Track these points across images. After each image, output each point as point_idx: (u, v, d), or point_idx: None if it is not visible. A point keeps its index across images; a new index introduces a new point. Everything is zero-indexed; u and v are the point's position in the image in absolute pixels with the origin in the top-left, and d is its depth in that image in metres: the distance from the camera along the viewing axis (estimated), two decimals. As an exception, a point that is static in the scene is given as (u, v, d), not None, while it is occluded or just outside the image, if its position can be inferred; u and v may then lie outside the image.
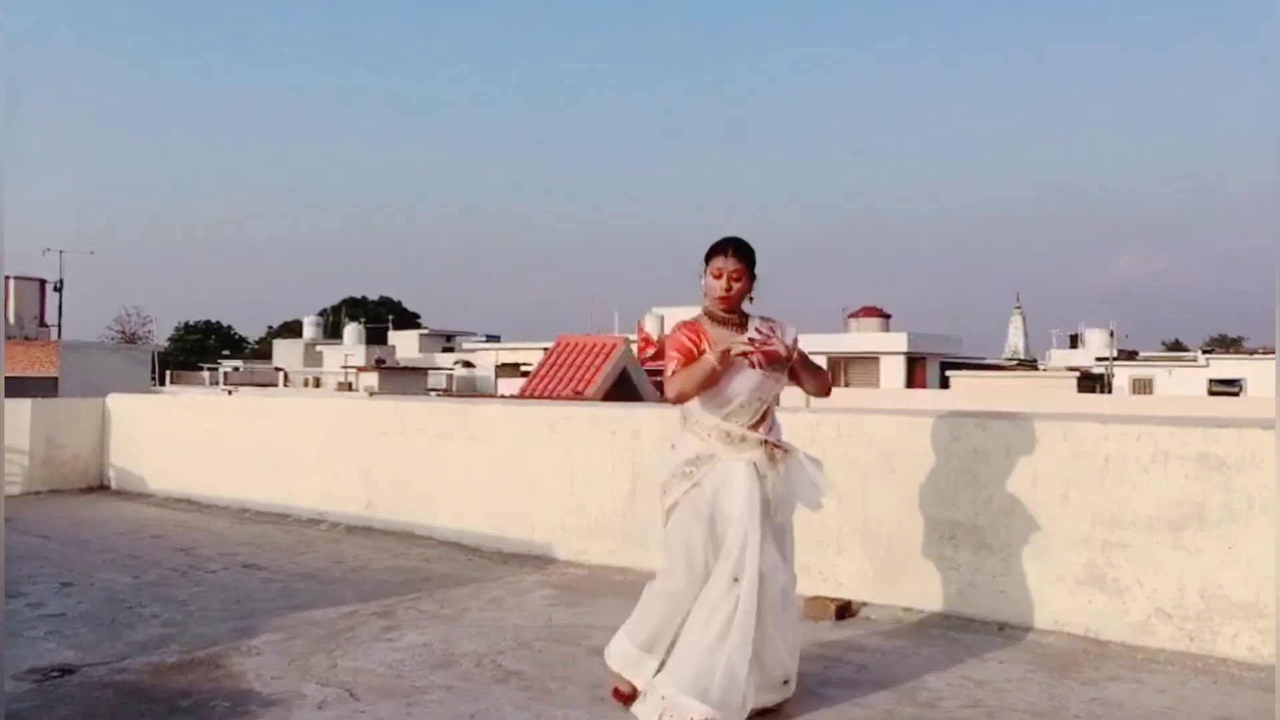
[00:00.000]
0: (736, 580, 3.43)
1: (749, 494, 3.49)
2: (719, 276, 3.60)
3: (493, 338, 63.82)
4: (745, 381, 3.55)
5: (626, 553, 5.99)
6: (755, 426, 3.58)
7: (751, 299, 3.68)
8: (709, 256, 3.65)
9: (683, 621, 3.50)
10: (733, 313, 3.66)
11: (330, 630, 4.65)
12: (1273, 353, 39.63)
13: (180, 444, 9.29)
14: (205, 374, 54.29)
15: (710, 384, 3.50)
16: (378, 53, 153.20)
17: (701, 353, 3.54)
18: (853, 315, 47.30)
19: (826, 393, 3.87)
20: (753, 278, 3.65)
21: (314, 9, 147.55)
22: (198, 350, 76.07)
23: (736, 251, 3.61)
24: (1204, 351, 47.70)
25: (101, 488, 9.88)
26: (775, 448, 3.57)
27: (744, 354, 3.49)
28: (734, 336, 3.57)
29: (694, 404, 3.59)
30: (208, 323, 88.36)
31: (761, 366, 3.52)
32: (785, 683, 3.59)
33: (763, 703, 3.51)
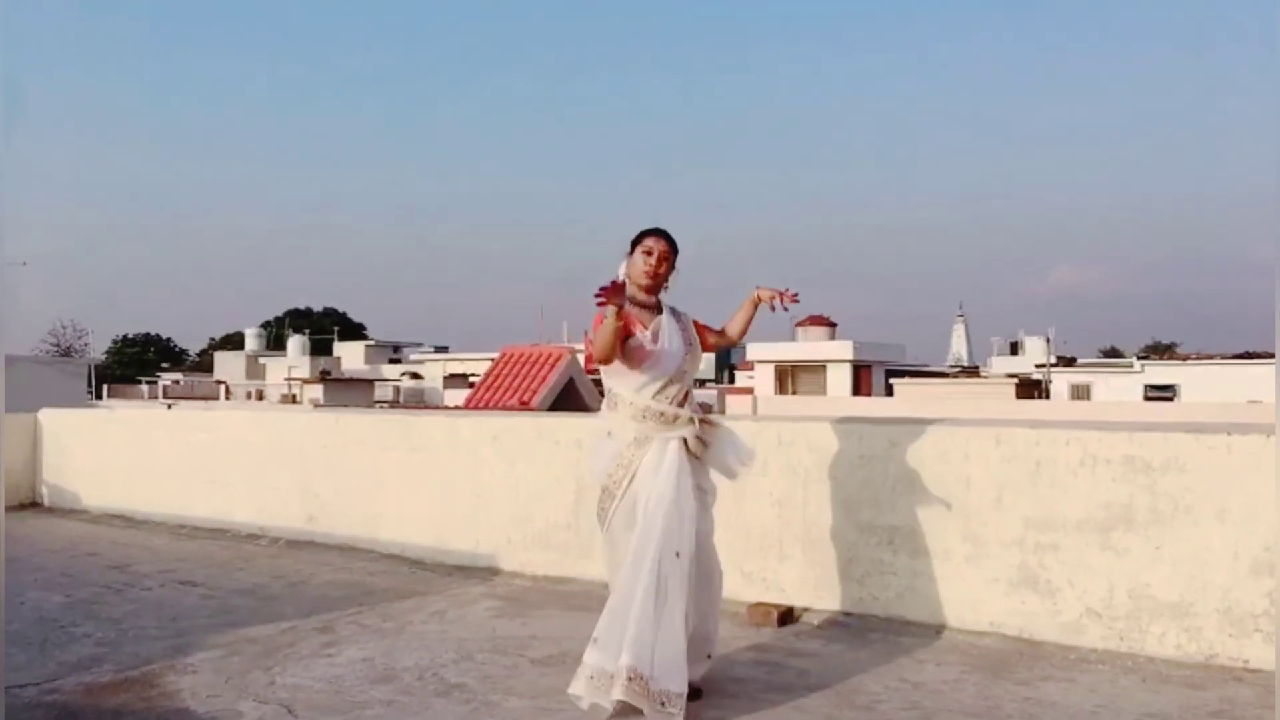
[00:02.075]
0: (679, 555, 3.56)
1: (680, 469, 3.65)
2: (649, 254, 3.80)
3: (441, 349, 63.38)
4: (671, 360, 3.76)
5: (571, 563, 5.98)
6: (681, 404, 3.77)
7: (667, 288, 3.91)
8: (639, 238, 3.86)
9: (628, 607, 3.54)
10: (652, 295, 3.87)
11: (269, 647, 4.58)
12: (1205, 359, 40.82)
13: (115, 459, 9.09)
14: (144, 387, 53.16)
15: (618, 339, 3.61)
16: (323, 61, 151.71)
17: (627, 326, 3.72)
18: (800, 324, 47.70)
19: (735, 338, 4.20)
20: (673, 267, 3.89)
21: (256, 17, 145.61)
22: (136, 363, 74.46)
23: (666, 236, 3.86)
24: (1139, 358, 48.80)
25: (33, 505, 9.63)
26: (705, 422, 3.82)
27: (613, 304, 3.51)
28: (651, 320, 3.80)
29: (626, 388, 3.75)
30: (146, 335, 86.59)
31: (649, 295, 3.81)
32: (709, 656, 3.83)
33: (692, 676, 3.59)
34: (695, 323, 4.00)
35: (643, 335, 3.74)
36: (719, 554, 3.92)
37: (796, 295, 3.95)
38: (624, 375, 3.74)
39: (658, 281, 3.84)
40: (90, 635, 4.83)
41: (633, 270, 3.84)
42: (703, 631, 3.74)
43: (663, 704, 3.37)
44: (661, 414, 3.71)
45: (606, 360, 3.67)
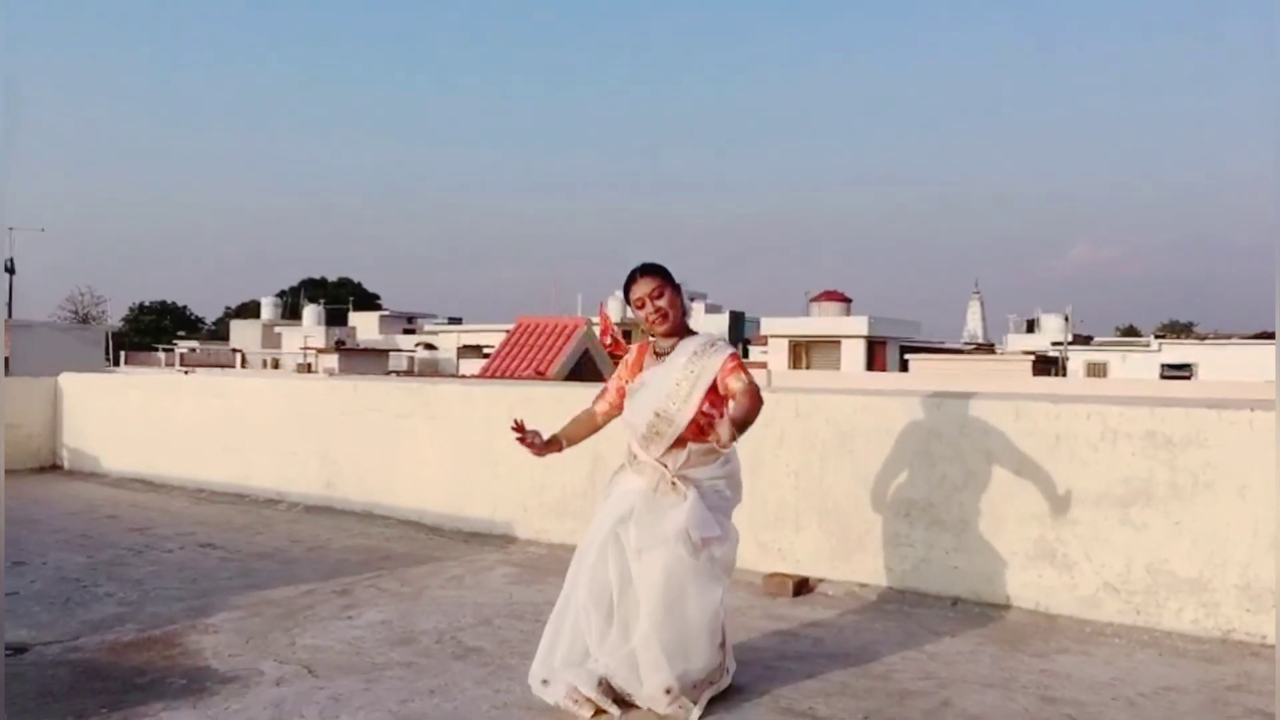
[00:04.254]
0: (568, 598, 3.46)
1: (617, 516, 3.41)
2: (641, 307, 3.51)
3: (455, 320, 63.45)
4: (638, 413, 3.48)
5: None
6: (662, 457, 3.44)
7: (686, 314, 3.57)
8: (625, 291, 3.57)
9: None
10: (672, 336, 3.53)
11: (289, 609, 4.63)
12: (1223, 338, 40.48)
13: (135, 424, 9.16)
14: (161, 355, 53.38)
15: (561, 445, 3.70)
16: (338, 34, 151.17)
17: (621, 384, 3.65)
18: (814, 299, 47.56)
19: (748, 414, 3.28)
20: (676, 289, 3.54)
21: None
22: (153, 331, 74.75)
23: (644, 273, 3.52)
24: (1156, 337, 48.47)
25: (54, 468, 9.73)
26: (670, 481, 3.40)
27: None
28: (655, 364, 3.54)
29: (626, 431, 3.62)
30: (163, 303, 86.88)
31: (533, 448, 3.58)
32: (667, 691, 3.31)
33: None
34: (724, 365, 3.43)
35: (631, 386, 3.57)
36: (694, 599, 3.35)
37: None
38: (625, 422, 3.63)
39: (667, 324, 3.50)
40: (112, 595, 4.88)
41: (641, 325, 3.60)
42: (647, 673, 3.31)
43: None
44: (635, 456, 3.51)
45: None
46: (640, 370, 3.59)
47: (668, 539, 3.33)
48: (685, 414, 3.40)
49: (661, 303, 3.48)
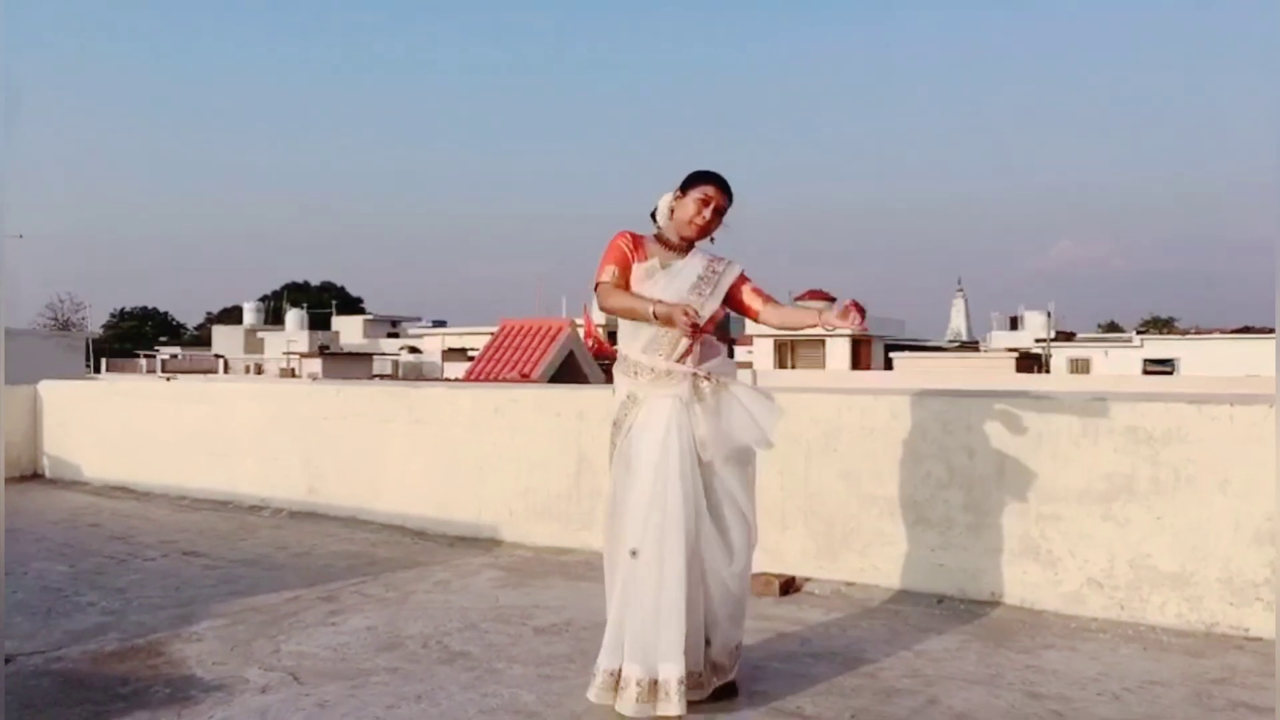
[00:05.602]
0: (634, 554, 3.22)
1: (666, 438, 3.23)
2: (705, 203, 3.44)
3: (439, 323, 63.26)
4: (679, 294, 3.37)
5: (573, 534, 6.00)
6: (682, 359, 3.35)
7: (713, 239, 3.56)
8: (694, 181, 3.48)
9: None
10: (688, 243, 3.53)
11: (273, 616, 4.60)
12: (1204, 334, 40.80)
13: (116, 431, 9.10)
14: (143, 361, 53.04)
15: (629, 317, 3.38)
16: (317, 34, 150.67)
17: (630, 261, 3.45)
18: (799, 298, 47.67)
19: (782, 321, 3.57)
20: (722, 221, 3.54)
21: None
22: (134, 337, 74.32)
23: (726, 188, 3.48)
24: (1138, 332, 48.86)
25: (35, 476, 9.64)
26: (704, 379, 3.31)
27: (690, 327, 3.22)
28: (673, 259, 3.48)
29: (623, 339, 3.47)
30: (144, 309, 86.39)
31: (696, 336, 3.29)
32: (737, 647, 3.48)
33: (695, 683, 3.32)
34: (741, 277, 3.56)
35: (638, 267, 3.43)
36: (742, 526, 3.38)
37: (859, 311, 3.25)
38: (623, 326, 3.45)
39: (704, 234, 3.49)
40: (95, 604, 4.84)
41: (680, 214, 3.47)
42: (711, 618, 3.34)
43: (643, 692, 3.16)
44: (652, 369, 3.33)
45: (603, 311, 3.47)
46: (646, 256, 3.48)
47: (744, 448, 3.35)
48: (711, 307, 3.46)
49: (717, 220, 3.50)
